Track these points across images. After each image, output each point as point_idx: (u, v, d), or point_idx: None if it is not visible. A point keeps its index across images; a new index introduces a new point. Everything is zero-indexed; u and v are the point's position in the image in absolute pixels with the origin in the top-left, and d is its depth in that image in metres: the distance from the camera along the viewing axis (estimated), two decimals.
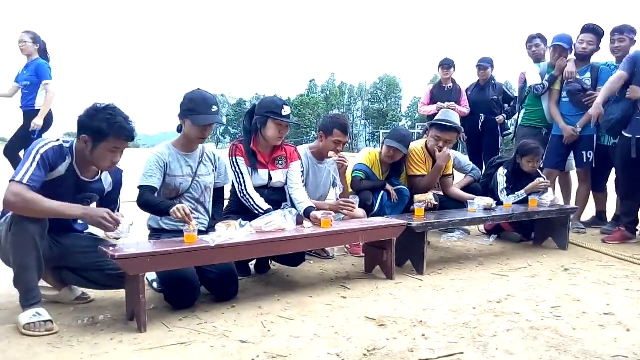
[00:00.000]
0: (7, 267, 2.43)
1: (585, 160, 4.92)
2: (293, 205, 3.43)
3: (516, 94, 5.87)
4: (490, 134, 5.92)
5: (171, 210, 2.62)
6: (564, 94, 5.03)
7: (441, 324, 2.45)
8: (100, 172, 2.63)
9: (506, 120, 5.95)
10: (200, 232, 2.71)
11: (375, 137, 74.91)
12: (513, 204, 4.26)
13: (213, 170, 3.07)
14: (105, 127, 2.40)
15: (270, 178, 3.37)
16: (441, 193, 4.57)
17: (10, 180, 2.27)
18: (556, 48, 5.10)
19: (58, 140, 2.46)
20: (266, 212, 3.12)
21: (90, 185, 2.59)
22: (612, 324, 2.48)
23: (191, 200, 2.94)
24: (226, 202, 3.36)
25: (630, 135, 4.29)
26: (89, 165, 2.54)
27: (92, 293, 2.86)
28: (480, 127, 5.89)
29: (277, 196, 3.43)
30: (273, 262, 3.49)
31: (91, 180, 2.59)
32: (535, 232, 4.49)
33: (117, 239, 2.53)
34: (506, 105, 6.03)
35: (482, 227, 4.98)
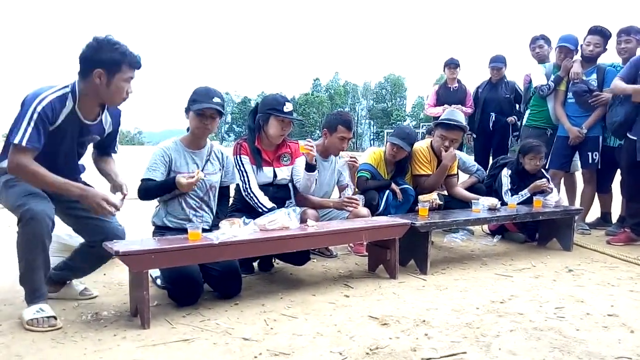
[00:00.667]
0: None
1: (590, 161, 4.90)
2: (297, 203, 3.46)
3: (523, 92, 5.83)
4: (501, 133, 5.86)
5: (177, 182, 2.70)
6: (570, 94, 5.00)
7: (444, 324, 2.44)
8: (100, 113, 2.53)
9: (517, 122, 5.89)
10: (204, 230, 2.71)
11: (380, 136, 74.81)
12: (517, 204, 4.25)
13: (220, 169, 3.05)
14: (119, 56, 2.33)
15: (275, 175, 3.38)
16: (445, 193, 4.57)
17: (12, 143, 2.24)
18: (562, 49, 5.07)
19: (56, 89, 2.35)
20: (270, 210, 3.13)
21: (92, 128, 2.53)
22: (616, 325, 2.47)
23: (195, 198, 2.94)
24: (231, 200, 3.37)
25: (635, 138, 4.27)
26: (93, 106, 2.47)
27: (96, 289, 2.87)
28: (491, 126, 5.85)
29: (281, 193, 3.44)
30: (277, 260, 3.49)
31: (92, 122, 2.51)
32: (540, 232, 4.47)
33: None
34: (517, 105, 5.96)
35: (486, 227, 4.97)
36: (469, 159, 5.09)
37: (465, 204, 4.24)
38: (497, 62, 5.85)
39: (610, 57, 5.05)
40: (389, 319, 2.48)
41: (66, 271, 2.73)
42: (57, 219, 2.43)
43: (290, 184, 3.52)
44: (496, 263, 3.75)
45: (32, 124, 2.24)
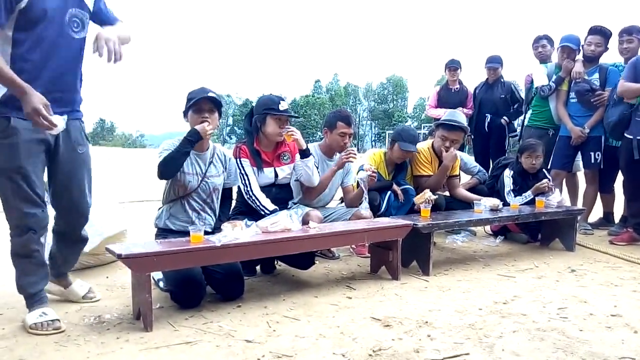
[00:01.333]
0: (12, 266, 2.43)
1: (592, 161, 4.89)
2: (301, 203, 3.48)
3: (524, 93, 5.82)
4: (497, 134, 5.85)
5: (194, 131, 2.79)
6: (572, 94, 5.00)
7: (447, 325, 2.44)
8: None
9: (512, 122, 5.88)
10: (207, 233, 2.71)
11: (381, 137, 74.79)
12: (520, 205, 4.25)
13: (223, 171, 3.05)
14: None
15: (276, 175, 3.38)
16: (447, 194, 4.57)
17: None
18: (564, 49, 5.07)
19: None
20: (272, 212, 3.13)
21: None
22: (619, 325, 2.46)
23: (199, 200, 2.94)
24: (234, 203, 3.37)
25: (631, 137, 4.29)
26: None
27: (100, 292, 2.88)
28: (486, 127, 5.85)
29: (283, 194, 3.46)
30: (279, 262, 3.49)
31: None
32: (542, 233, 4.47)
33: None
34: (514, 105, 5.95)
35: (488, 228, 4.96)
36: (470, 160, 5.09)
37: (468, 205, 4.24)
38: (493, 63, 5.85)
39: (611, 57, 5.05)
40: (392, 321, 2.48)
41: (53, 265, 2.66)
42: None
43: (292, 183, 3.53)
44: (499, 264, 3.75)
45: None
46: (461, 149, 5.01)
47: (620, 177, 4.93)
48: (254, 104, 3.58)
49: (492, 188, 4.73)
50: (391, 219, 3.53)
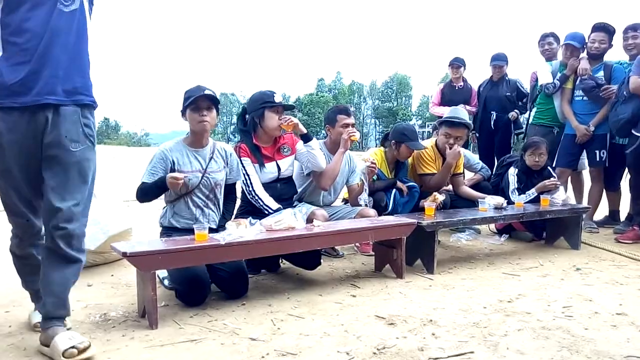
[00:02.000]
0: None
1: (598, 159, 4.87)
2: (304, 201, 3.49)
3: (529, 90, 5.80)
4: (503, 131, 5.82)
5: (167, 182, 2.69)
6: (577, 92, 4.98)
7: (451, 323, 2.44)
8: None
9: (519, 117, 5.84)
10: (211, 229, 2.72)
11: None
12: (524, 203, 4.24)
13: (224, 166, 3.05)
14: None
15: (279, 169, 3.38)
16: (450, 188, 4.56)
17: None
18: (568, 46, 5.05)
19: None
20: (276, 211, 3.13)
21: None
22: (625, 324, 2.45)
23: (201, 197, 2.95)
24: (239, 202, 3.37)
25: (639, 134, 4.25)
26: None
27: (105, 290, 2.89)
28: (492, 125, 5.82)
29: (288, 189, 3.48)
30: (283, 260, 3.50)
31: None
32: (547, 231, 4.45)
33: None
34: (519, 102, 5.93)
35: (493, 226, 4.95)
36: (474, 157, 5.08)
37: (472, 203, 4.23)
38: (499, 60, 5.82)
39: (616, 54, 5.02)
40: (396, 319, 2.48)
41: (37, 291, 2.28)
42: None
43: (294, 177, 3.53)
44: (503, 262, 3.74)
45: None
46: (465, 146, 5.00)
47: (626, 175, 4.91)
48: (243, 106, 3.60)
49: (496, 186, 4.71)
50: (396, 217, 3.52)
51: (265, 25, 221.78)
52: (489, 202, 3.97)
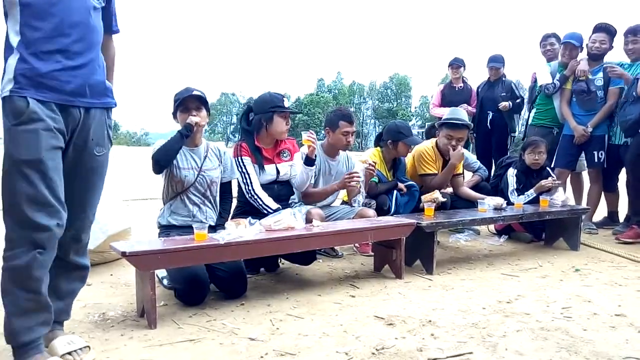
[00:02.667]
0: (1, 300, 2.32)
1: (596, 160, 4.88)
2: (303, 201, 3.48)
3: (524, 92, 5.81)
4: (498, 132, 5.85)
5: (186, 125, 2.79)
6: None
7: (450, 324, 2.44)
8: None
9: (514, 119, 5.84)
10: (210, 228, 2.73)
11: None
12: (524, 204, 4.24)
13: (219, 165, 3.09)
14: None
15: (277, 172, 3.39)
16: (451, 190, 4.56)
17: None
18: (567, 45, 5.08)
19: None
20: (275, 211, 3.14)
21: None
22: (624, 325, 2.45)
23: (197, 194, 2.97)
24: (235, 202, 3.38)
25: None
26: None
27: (104, 290, 2.89)
28: (489, 125, 5.84)
29: (285, 190, 3.48)
30: (282, 260, 3.50)
31: None
32: (546, 232, 4.45)
33: None
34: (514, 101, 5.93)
35: (492, 227, 4.95)
36: (472, 157, 5.10)
37: (471, 204, 4.24)
38: (495, 62, 5.86)
39: (617, 55, 5.04)
40: (395, 319, 2.48)
41: None
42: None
43: (291, 181, 3.54)
44: (503, 263, 3.74)
45: None
46: (466, 146, 5.01)
47: (623, 176, 4.92)
48: (248, 105, 3.60)
49: (495, 187, 4.72)
50: (395, 218, 3.53)
51: (265, 25, 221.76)
52: (489, 203, 3.97)
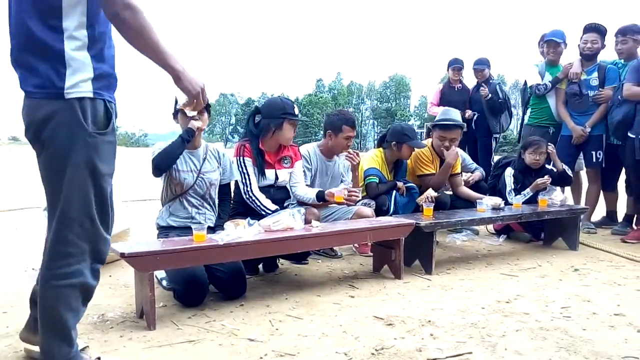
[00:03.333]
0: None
1: (594, 160, 4.89)
2: (298, 203, 3.48)
3: (521, 93, 5.84)
4: (481, 133, 5.97)
5: (188, 130, 2.83)
6: None
7: (449, 324, 2.44)
8: None
9: (473, 117, 5.91)
10: (209, 228, 2.73)
11: None
12: (522, 203, 4.24)
13: (218, 167, 3.10)
14: None
15: (276, 177, 3.39)
16: (451, 192, 4.57)
17: None
18: (550, 43, 5.16)
19: None
20: (274, 212, 3.13)
21: None
22: (623, 324, 2.46)
23: (196, 196, 2.98)
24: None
25: (634, 136, 4.30)
26: None
27: (103, 291, 2.88)
28: (473, 125, 5.95)
29: (281, 194, 3.48)
30: (281, 260, 3.50)
31: None
32: (545, 232, 4.46)
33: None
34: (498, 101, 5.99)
35: (491, 227, 4.95)
36: (468, 157, 5.11)
37: (471, 204, 4.24)
38: (480, 65, 5.98)
39: (611, 54, 5.07)
40: (394, 319, 2.48)
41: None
42: None
43: (289, 185, 3.54)
44: (501, 263, 3.74)
45: None
46: (461, 146, 5.02)
47: (622, 176, 4.93)
48: (255, 106, 3.59)
49: (493, 188, 4.72)
50: (394, 218, 3.53)
51: (264, 25, 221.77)
52: (487, 203, 3.97)
